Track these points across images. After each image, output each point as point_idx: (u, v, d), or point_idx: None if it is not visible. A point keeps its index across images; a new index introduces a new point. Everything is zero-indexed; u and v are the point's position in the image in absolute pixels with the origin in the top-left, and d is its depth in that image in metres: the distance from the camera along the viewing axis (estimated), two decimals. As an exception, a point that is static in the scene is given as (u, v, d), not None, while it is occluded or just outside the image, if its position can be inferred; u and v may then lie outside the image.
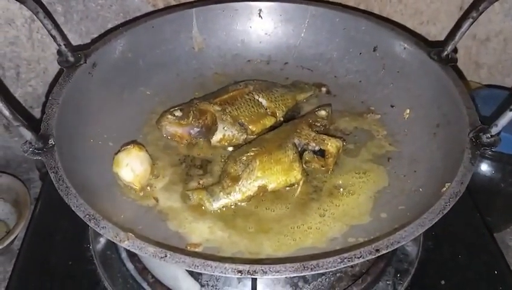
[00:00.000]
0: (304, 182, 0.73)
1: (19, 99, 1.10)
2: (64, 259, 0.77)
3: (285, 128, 0.78)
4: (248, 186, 0.70)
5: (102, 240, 0.77)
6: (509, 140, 0.88)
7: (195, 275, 0.70)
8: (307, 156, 0.75)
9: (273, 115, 0.81)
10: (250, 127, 0.79)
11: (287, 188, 0.72)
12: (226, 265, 0.53)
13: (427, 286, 0.75)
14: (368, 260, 0.72)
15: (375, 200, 0.71)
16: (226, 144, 0.78)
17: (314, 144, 0.75)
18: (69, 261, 0.77)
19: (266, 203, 0.71)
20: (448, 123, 0.74)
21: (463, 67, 1.15)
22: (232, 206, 0.70)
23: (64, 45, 0.77)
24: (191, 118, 0.78)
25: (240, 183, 0.70)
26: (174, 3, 1.01)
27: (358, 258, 0.53)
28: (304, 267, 0.52)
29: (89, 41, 1.03)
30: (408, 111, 0.82)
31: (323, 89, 0.89)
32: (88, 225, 0.57)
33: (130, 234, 0.56)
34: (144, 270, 0.73)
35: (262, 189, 0.70)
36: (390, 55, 0.86)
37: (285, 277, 0.70)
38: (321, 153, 0.76)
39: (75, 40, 1.03)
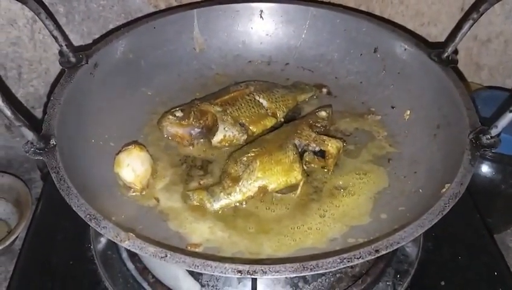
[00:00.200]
0: (304, 183, 0.73)
1: (20, 100, 1.11)
2: (65, 259, 0.77)
3: (286, 129, 0.78)
4: (248, 187, 0.70)
5: (103, 240, 0.77)
6: (509, 141, 0.88)
7: (195, 275, 0.71)
8: (307, 156, 0.75)
9: (274, 115, 0.82)
10: (250, 127, 0.79)
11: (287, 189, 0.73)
12: (226, 265, 0.53)
13: (426, 287, 0.75)
14: (367, 261, 0.72)
15: (375, 201, 0.71)
16: (227, 144, 0.78)
17: (314, 145, 0.76)
18: (70, 261, 0.77)
19: (266, 204, 0.71)
20: (449, 124, 0.74)
21: (464, 69, 1.15)
22: (233, 207, 0.70)
23: (65, 45, 0.77)
24: (191, 119, 0.78)
25: (240, 183, 0.70)
26: (175, 4, 1.01)
27: (357, 258, 0.54)
28: (304, 267, 0.53)
29: (90, 42, 1.04)
30: (408, 112, 0.82)
31: (324, 90, 0.89)
32: (89, 225, 0.58)
33: (131, 234, 0.56)
34: (144, 270, 0.73)
35: (263, 189, 0.71)
36: (391, 56, 0.86)
37: (285, 277, 0.70)
38: (321, 154, 0.76)
39: (76, 41, 1.03)
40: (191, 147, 0.79)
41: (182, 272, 0.71)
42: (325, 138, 0.76)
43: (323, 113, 0.81)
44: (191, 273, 0.70)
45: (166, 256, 0.54)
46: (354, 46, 0.90)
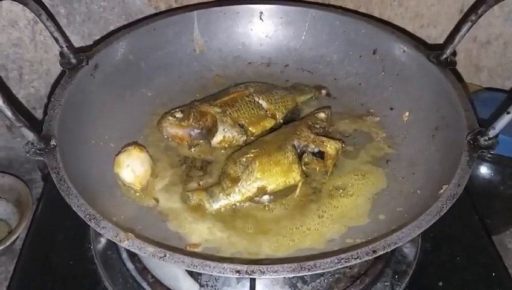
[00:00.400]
0: (303, 184, 0.73)
1: (21, 101, 1.11)
2: (65, 259, 0.78)
3: (285, 130, 0.79)
4: (247, 188, 0.70)
5: (103, 240, 0.78)
6: (508, 143, 0.88)
7: (194, 276, 0.71)
8: (306, 157, 0.76)
9: (273, 117, 0.82)
10: (250, 128, 0.79)
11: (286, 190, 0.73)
12: (225, 265, 0.53)
13: (424, 288, 0.75)
14: (366, 261, 0.73)
15: (374, 202, 0.72)
16: (226, 145, 0.78)
17: (313, 146, 0.76)
18: (70, 261, 0.77)
19: (265, 205, 0.71)
20: (447, 126, 0.75)
21: (463, 70, 1.16)
22: (232, 207, 0.71)
23: (66, 46, 0.78)
24: (191, 120, 0.79)
25: (239, 184, 0.70)
26: (175, 5, 1.02)
27: (355, 259, 0.54)
28: (301, 267, 0.53)
29: (91, 43, 1.04)
30: (407, 114, 0.82)
31: (323, 92, 0.90)
32: (89, 225, 0.58)
33: (130, 234, 0.56)
34: (144, 270, 0.74)
35: (262, 190, 0.71)
36: (390, 58, 0.86)
37: (283, 278, 0.70)
38: (320, 155, 0.76)
39: (77, 42, 1.04)
40: (191, 148, 0.79)
41: (182, 272, 0.71)
42: (323, 139, 0.76)
43: (322, 115, 0.82)
44: (190, 273, 0.71)
45: (165, 256, 0.54)
46: (353, 48, 0.91)
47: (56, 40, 0.77)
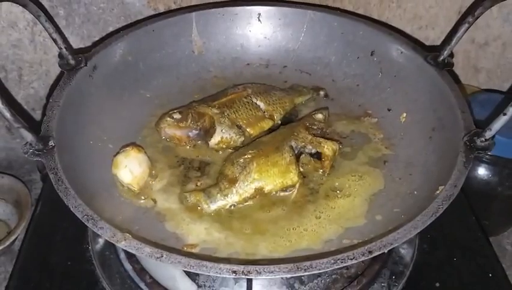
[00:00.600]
0: (301, 185, 0.73)
1: (21, 102, 1.11)
2: (63, 259, 0.78)
3: (283, 131, 0.79)
4: (245, 188, 0.71)
5: (101, 241, 0.78)
6: (506, 144, 0.89)
7: (192, 276, 0.71)
8: (303, 158, 0.76)
9: (271, 118, 0.82)
10: (248, 129, 0.80)
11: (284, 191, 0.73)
12: (221, 265, 0.53)
13: (421, 288, 0.76)
14: (362, 262, 0.73)
15: (371, 203, 0.72)
16: (224, 146, 0.78)
17: (311, 147, 0.76)
18: (68, 262, 0.77)
19: (263, 205, 0.71)
20: (444, 127, 0.75)
21: (461, 72, 1.16)
22: (229, 208, 0.71)
23: (65, 48, 0.78)
24: (189, 121, 0.79)
25: (237, 185, 0.70)
26: (174, 7, 1.02)
27: (351, 259, 0.54)
28: (298, 268, 0.53)
29: (90, 44, 1.04)
30: (405, 115, 0.82)
31: (321, 93, 0.90)
32: (87, 226, 0.58)
33: (127, 234, 0.56)
34: (141, 270, 0.74)
35: (259, 191, 0.71)
36: (388, 59, 0.87)
37: (280, 278, 0.70)
38: (318, 156, 0.76)
39: (76, 43, 1.04)
40: (189, 149, 0.79)
41: (179, 273, 0.71)
42: (321, 140, 0.76)
43: (320, 116, 0.82)
44: (188, 274, 0.71)
45: (162, 256, 0.54)
46: (351, 49, 0.91)
47: (55, 41, 0.78)
